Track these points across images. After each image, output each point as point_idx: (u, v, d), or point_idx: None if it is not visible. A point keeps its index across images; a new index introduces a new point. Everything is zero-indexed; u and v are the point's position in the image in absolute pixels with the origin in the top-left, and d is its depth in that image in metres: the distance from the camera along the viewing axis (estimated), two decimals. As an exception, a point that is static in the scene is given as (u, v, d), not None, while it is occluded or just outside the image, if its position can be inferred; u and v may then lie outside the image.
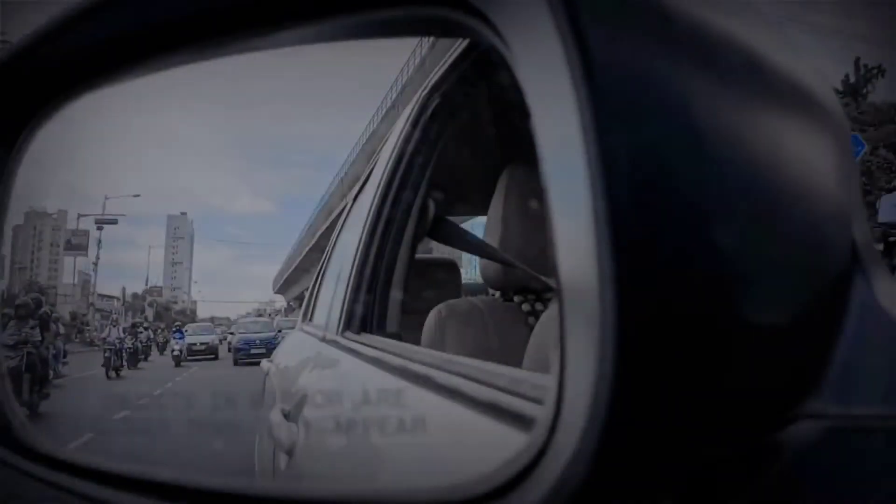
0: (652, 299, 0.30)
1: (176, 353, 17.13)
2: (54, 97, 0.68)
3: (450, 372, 0.64)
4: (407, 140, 1.24)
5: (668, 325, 0.30)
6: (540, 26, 0.33)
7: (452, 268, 1.98)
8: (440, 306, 1.26)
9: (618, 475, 0.32)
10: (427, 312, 1.26)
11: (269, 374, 2.02)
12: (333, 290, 1.50)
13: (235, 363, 16.23)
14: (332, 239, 2.18)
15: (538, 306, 1.29)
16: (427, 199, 1.24)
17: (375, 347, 0.98)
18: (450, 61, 1.12)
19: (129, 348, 14.24)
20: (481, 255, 1.29)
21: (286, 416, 1.17)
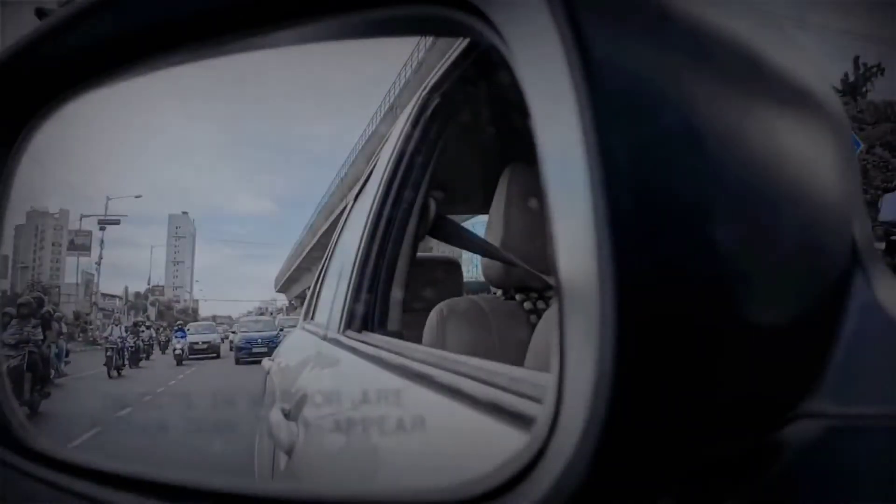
0: (651, 298, 0.30)
1: (178, 351, 17.16)
2: (54, 96, 0.69)
3: (451, 371, 0.64)
4: (408, 139, 1.24)
5: (668, 325, 0.30)
6: (539, 25, 0.32)
7: (454, 266, 1.98)
8: (441, 305, 1.26)
9: (617, 475, 0.32)
10: (428, 311, 1.26)
11: (269, 372, 2.02)
12: (335, 289, 1.50)
13: (237, 362, 16.24)
14: (334, 238, 2.18)
15: (540, 305, 1.29)
16: (428, 199, 1.24)
17: (377, 346, 0.98)
18: (450, 60, 1.12)
19: (131, 347, 14.27)
20: (482, 254, 1.29)
21: (286, 415, 1.17)
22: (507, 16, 0.37)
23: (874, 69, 21.04)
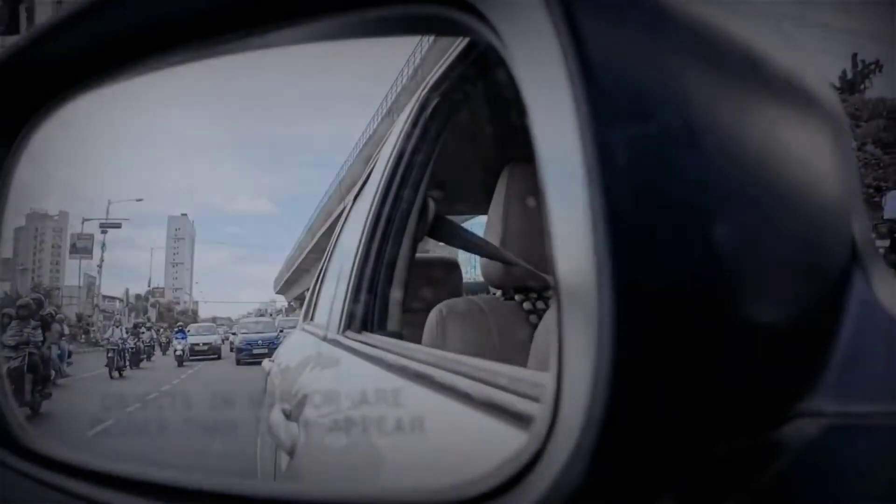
0: (649, 297, 0.30)
1: (178, 353, 17.17)
2: (53, 96, 0.69)
3: (451, 371, 0.64)
4: (407, 139, 1.24)
5: (666, 323, 0.30)
6: (536, 23, 0.32)
7: (453, 267, 1.98)
8: (441, 305, 1.26)
9: (616, 474, 0.32)
10: (428, 311, 1.26)
11: (270, 373, 2.02)
12: (334, 290, 1.50)
13: (238, 363, 16.26)
14: (333, 239, 2.18)
15: (539, 305, 1.29)
16: (427, 199, 1.23)
17: (376, 346, 0.98)
18: (450, 60, 1.12)
19: (132, 348, 14.30)
20: (482, 255, 1.29)
21: (287, 415, 1.17)
22: (503, 15, 0.37)
23: (872, 66, 21.00)
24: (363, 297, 1.23)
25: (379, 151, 1.52)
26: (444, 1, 0.41)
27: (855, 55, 21.08)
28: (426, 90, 1.22)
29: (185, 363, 16.79)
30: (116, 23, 0.57)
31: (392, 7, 0.46)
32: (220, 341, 19.42)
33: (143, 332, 16.03)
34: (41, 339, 8.24)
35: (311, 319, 2.10)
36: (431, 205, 1.24)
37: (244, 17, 0.51)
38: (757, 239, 0.33)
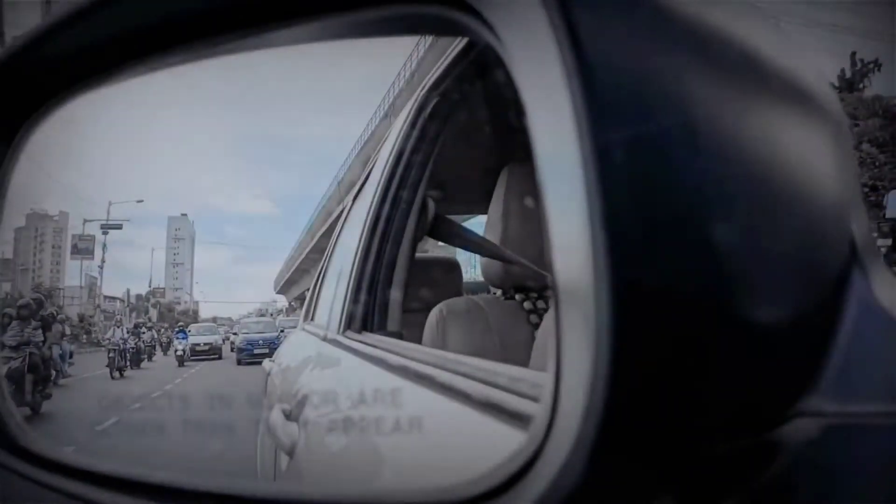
0: (647, 296, 0.30)
1: (179, 353, 17.18)
2: (52, 96, 0.69)
3: (451, 371, 0.64)
4: (406, 139, 1.24)
5: (664, 323, 0.30)
6: (533, 23, 0.32)
7: (453, 266, 1.98)
8: (441, 305, 1.26)
9: (614, 473, 0.32)
10: (428, 311, 1.26)
11: (270, 374, 2.02)
12: (334, 290, 1.50)
13: (239, 363, 16.27)
14: (333, 239, 2.18)
15: (539, 304, 1.29)
16: (426, 198, 1.23)
17: (376, 346, 0.98)
18: (449, 60, 1.12)
19: (132, 349, 14.32)
20: (483, 254, 1.29)
21: (287, 416, 1.17)
22: (501, 15, 0.37)
23: (871, 65, 20.93)
24: (363, 297, 1.23)
25: (378, 151, 1.52)
26: (442, 1, 0.41)
27: (853, 54, 21.03)
28: (425, 90, 1.22)
29: (185, 363, 16.80)
30: (116, 22, 0.57)
31: (390, 7, 0.46)
32: (220, 341, 19.42)
33: (143, 333, 16.06)
34: (42, 339, 8.25)
35: (312, 319, 2.10)
36: (431, 204, 1.24)
37: (243, 18, 0.51)
38: (756, 238, 0.33)
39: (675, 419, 0.31)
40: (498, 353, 1.18)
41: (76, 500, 0.62)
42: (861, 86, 20.55)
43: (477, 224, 1.51)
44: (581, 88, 0.30)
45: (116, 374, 13.02)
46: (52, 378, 8.89)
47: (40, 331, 8.26)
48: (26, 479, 0.65)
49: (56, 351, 9.52)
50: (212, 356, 18.17)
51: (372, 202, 1.29)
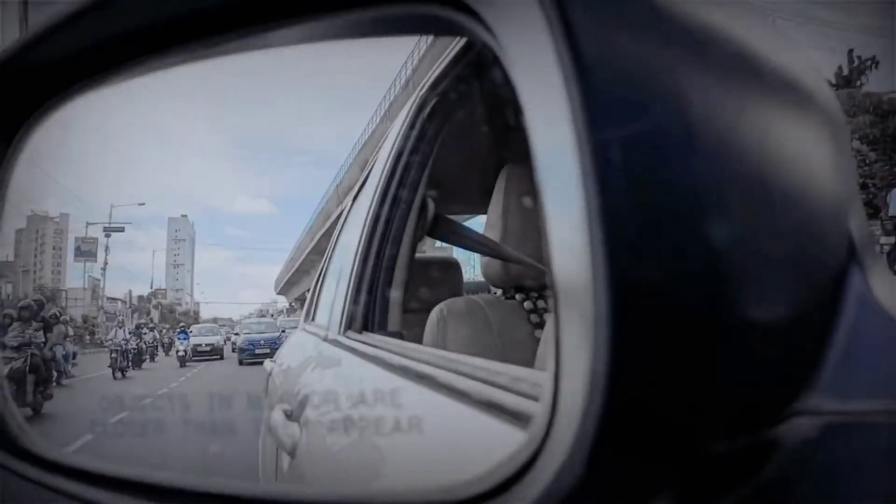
0: (646, 295, 0.30)
1: (181, 353, 17.19)
2: (51, 97, 0.69)
3: (452, 371, 0.64)
4: (405, 139, 1.24)
5: (662, 322, 0.30)
6: (530, 22, 0.32)
7: (454, 266, 1.98)
8: (441, 305, 1.26)
9: (613, 472, 0.32)
10: (428, 311, 1.26)
11: (271, 374, 2.02)
12: (335, 290, 1.50)
13: (240, 363, 16.28)
14: (333, 239, 2.18)
15: (540, 304, 1.29)
16: (426, 198, 1.23)
17: (377, 346, 0.98)
18: (447, 59, 1.12)
19: (134, 349, 14.34)
20: (483, 253, 1.29)
21: (288, 416, 1.17)
22: (499, 15, 0.37)
23: (868, 62, 20.83)
24: (363, 297, 1.23)
25: (377, 152, 1.52)
26: (440, 1, 0.41)
27: (851, 51, 20.93)
28: (424, 90, 1.22)
29: (187, 363, 16.80)
30: (117, 22, 0.57)
31: (389, 7, 0.46)
32: (222, 342, 19.41)
33: (145, 334, 16.08)
34: (43, 340, 8.26)
35: (312, 320, 2.10)
36: (430, 204, 1.23)
37: (242, 18, 0.51)
38: (754, 237, 0.33)
39: (673, 418, 0.31)
40: (498, 353, 1.18)
41: (77, 501, 0.62)
42: (858, 83, 20.44)
43: (477, 224, 1.51)
44: (578, 88, 0.30)
45: (119, 374, 13.05)
46: (55, 378, 8.91)
47: (42, 332, 8.27)
48: (27, 481, 0.65)
49: (59, 352, 9.54)
50: (213, 357, 18.17)
51: (371, 202, 1.29)
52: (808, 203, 0.35)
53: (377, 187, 1.29)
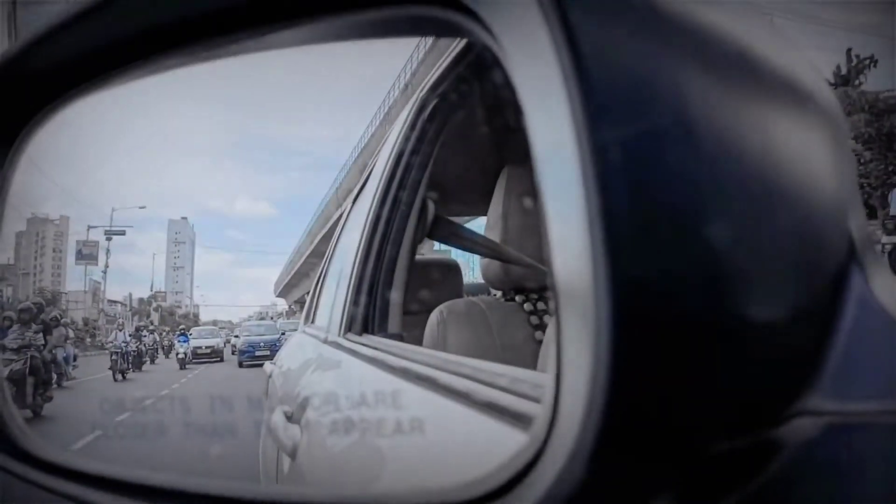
0: (646, 296, 0.30)
1: (181, 356, 17.19)
2: (52, 100, 0.69)
3: (452, 372, 0.64)
4: (405, 140, 1.24)
5: (663, 322, 0.30)
6: (530, 23, 0.32)
7: (454, 268, 1.98)
8: (442, 307, 1.26)
9: (615, 473, 0.32)
10: (428, 313, 1.26)
11: (271, 376, 2.02)
12: (335, 292, 1.50)
13: (240, 365, 16.29)
14: (333, 241, 2.18)
15: (540, 305, 1.29)
16: (426, 200, 1.23)
17: (377, 348, 0.98)
18: (448, 61, 1.12)
19: (134, 352, 14.36)
20: (484, 254, 1.29)
21: (289, 418, 1.17)
22: (498, 16, 0.37)
23: (866, 61, 20.79)
24: (363, 299, 1.23)
25: (377, 153, 1.52)
26: (439, 2, 0.41)
27: (849, 50, 20.89)
28: (424, 91, 1.22)
29: (187, 366, 16.80)
30: (117, 25, 0.57)
31: (389, 8, 0.46)
32: (222, 344, 19.40)
33: (145, 336, 16.09)
34: (43, 342, 8.27)
35: (312, 322, 2.10)
36: (430, 206, 1.23)
37: (242, 20, 0.51)
38: (754, 237, 0.33)
39: (675, 419, 0.31)
40: (498, 355, 1.18)
41: (78, 503, 0.62)
42: (857, 82, 20.39)
43: (477, 226, 1.51)
44: (578, 88, 0.30)
45: (119, 376, 13.07)
46: (55, 381, 8.92)
47: (41, 334, 8.28)
48: (27, 483, 0.65)
49: (60, 354, 9.56)
50: (213, 359, 18.16)
51: (371, 204, 1.29)
52: (808, 203, 0.35)
53: (377, 189, 1.29)
